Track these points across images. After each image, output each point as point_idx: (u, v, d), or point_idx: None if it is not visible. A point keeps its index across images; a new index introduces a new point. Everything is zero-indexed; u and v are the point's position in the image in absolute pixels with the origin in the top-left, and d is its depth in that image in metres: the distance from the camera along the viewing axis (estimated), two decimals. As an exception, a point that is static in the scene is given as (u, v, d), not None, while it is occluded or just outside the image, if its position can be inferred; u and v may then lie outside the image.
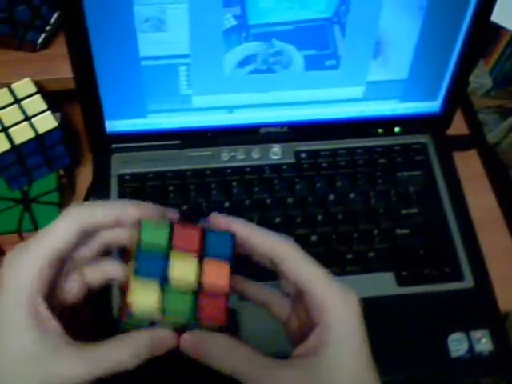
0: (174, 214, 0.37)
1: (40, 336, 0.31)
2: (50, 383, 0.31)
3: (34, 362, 0.31)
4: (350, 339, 0.33)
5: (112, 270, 0.37)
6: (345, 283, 0.34)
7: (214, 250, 0.34)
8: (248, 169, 0.62)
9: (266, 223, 0.58)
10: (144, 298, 0.32)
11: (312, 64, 0.57)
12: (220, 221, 0.36)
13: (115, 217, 0.35)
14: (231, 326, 0.35)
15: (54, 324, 0.32)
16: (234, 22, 0.52)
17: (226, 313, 0.33)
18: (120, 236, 0.36)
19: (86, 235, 0.35)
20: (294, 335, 0.36)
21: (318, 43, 0.55)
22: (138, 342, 0.33)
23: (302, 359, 0.33)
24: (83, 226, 0.34)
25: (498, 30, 0.77)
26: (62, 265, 0.35)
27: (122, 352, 0.32)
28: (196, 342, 0.34)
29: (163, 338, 0.34)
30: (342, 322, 0.33)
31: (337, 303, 0.33)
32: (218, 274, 0.33)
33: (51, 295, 0.34)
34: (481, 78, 0.84)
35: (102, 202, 0.37)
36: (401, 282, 0.56)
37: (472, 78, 0.82)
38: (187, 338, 0.34)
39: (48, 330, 0.32)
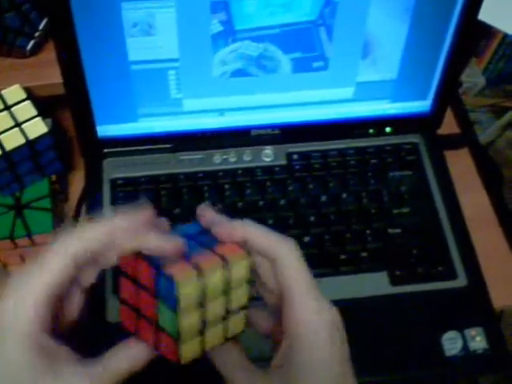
0: (163, 222, 0.35)
1: (44, 365, 0.30)
2: None
3: None
4: (317, 349, 0.33)
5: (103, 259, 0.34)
6: (325, 297, 0.34)
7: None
8: (240, 171, 0.62)
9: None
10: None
11: (300, 66, 0.57)
12: (224, 228, 0.34)
13: (107, 236, 0.33)
14: None
15: (60, 349, 0.32)
16: (220, 28, 0.52)
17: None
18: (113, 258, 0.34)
19: (84, 261, 0.33)
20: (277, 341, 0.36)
21: (304, 45, 0.55)
22: (135, 350, 0.33)
23: (278, 367, 0.34)
24: (75, 258, 0.32)
25: (490, 29, 0.77)
26: (61, 294, 0.33)
27: (121, 362, 0.32)
28: None
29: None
30: (307, 332, 0.33)
31: (306, 314, 0.33)
32: None
33: (56, 320, 0.33)
34: (474, 77, 0.85)
35: (91, 224, 0.34)
36: (394, 281, 0.56)
37: (465, 78, 0.83)
38: None
39: (55, 358, 0.31)
